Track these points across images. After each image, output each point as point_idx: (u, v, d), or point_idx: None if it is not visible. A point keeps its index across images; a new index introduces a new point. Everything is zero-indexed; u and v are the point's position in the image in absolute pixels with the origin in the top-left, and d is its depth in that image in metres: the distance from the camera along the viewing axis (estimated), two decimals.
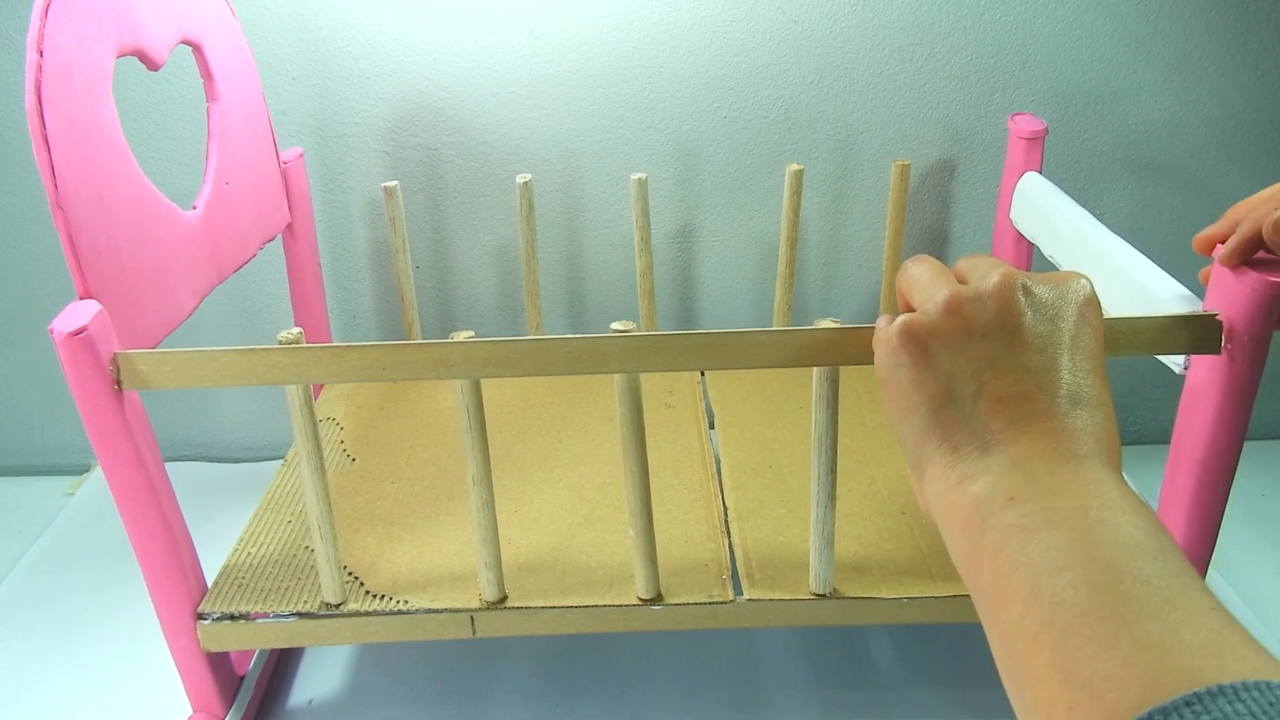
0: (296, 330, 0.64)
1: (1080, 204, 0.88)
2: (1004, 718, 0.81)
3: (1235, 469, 0.69)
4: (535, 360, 0.64)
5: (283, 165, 0.93)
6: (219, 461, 1.20)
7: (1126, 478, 0.82)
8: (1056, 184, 0.92)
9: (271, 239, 0.91)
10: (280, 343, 0.64)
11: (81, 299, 0.63)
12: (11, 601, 0.98)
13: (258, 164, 0.88)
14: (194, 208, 0.77)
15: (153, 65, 0.72)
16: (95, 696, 0.86)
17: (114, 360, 0.63)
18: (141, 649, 0.90)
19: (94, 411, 0.63)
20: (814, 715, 0.82)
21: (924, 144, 1.06)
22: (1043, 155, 0.96)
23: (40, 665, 0.89)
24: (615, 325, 0.64)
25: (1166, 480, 0.72)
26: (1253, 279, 0.62)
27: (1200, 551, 0.72)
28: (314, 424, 0.67)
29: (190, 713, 0.77)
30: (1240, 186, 1.08)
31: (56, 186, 0.59)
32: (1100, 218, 0.84)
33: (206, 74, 0.80)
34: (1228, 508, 0.71)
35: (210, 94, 0.81)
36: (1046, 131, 0.96)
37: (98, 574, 1.01)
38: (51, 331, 0.60)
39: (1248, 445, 0.71)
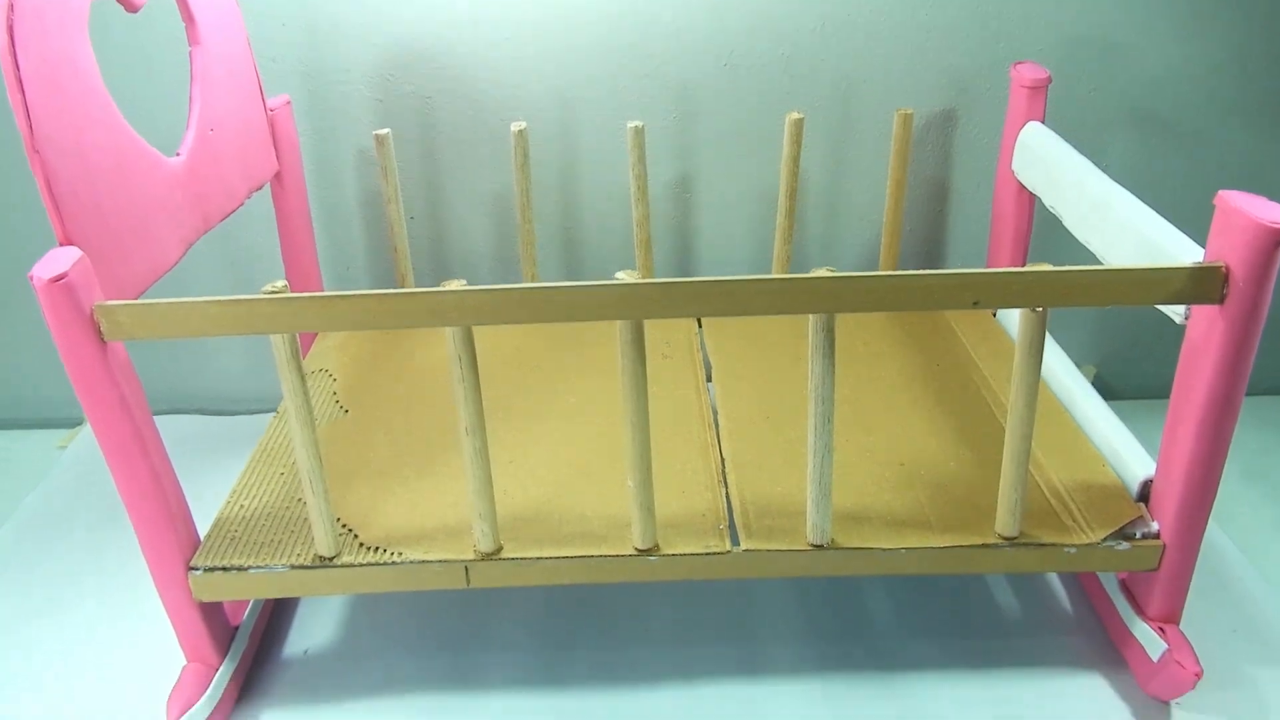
0: (281, 283, 0.63)
1: (1083, 155, 0.86)
2: (1000, 667, 0.81)
3: (1236, 422, 0.68)
4: (528, 308, 0.63)
5: (269, 112, 0.91)
6: (211, 414, 1.20)
7: (1129, 431, 0.82)
8: (1060, 135, 0.91)
9: (259, 188, 0.89)
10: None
11: (62, 245, 0.61)
12: (4, 555, 0.97)
13: (242, 110, 0.86)
14: (177, 154, 0.76)
15: (130, 7, 0.70)
16: (90, 648, 0.86)
17: (94, 311, 0.62)
18: (136, 601, 0.90)
19: (78, 362, 0.62)
20: (810, 666, 0.82)
21: (927, 93, 1.04)
22: (1046, 105, 0.95)
23: (35, 618, 0.89)
24: (620, 274, 0.63)
25: (1167, 434, 0.71)
26: (1251, 225, 0.61)
27: (1200, 505, 0.71)
28: (301, 376, 0.66)
29: (185, 663, 0.77)
30: (1247, 139, 1.06)
31: (32, 129, 0.57)
32: (1104, 169, 0.82)
33: (187, 17, 0.78)
34: (1229, 463, 0.71)
35: (192, 37, 0.79)
36: (1050, 80, 0.94)
37: (91, 528, 1.00)
38: (31, 278, 0.59)
39: (1249, 401, 0.70)
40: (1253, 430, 1.10)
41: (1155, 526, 0.73)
